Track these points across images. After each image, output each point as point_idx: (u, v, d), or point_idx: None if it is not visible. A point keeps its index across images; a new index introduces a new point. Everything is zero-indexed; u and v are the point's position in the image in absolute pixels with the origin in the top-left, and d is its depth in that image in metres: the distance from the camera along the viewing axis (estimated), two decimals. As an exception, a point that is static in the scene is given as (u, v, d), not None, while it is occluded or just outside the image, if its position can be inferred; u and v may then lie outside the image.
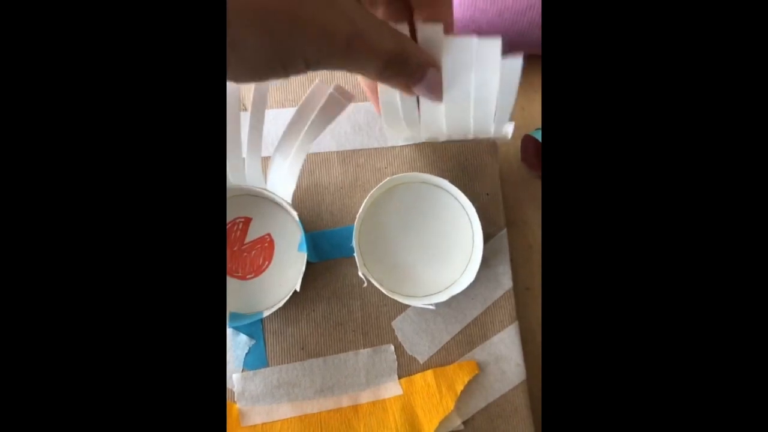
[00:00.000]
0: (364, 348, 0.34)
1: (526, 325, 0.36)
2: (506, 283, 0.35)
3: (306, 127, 0.30)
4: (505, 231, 0.36)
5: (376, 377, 0.34)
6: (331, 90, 0.28)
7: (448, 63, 0.26)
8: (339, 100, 0.29)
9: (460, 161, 0.36)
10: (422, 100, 0.29)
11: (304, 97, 0.30)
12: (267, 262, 0.34)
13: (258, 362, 0.33)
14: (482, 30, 0.37)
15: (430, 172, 0.34)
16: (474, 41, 0.25)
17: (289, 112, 0.31)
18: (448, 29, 0.26)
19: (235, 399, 0.33)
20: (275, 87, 0.37)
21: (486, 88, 0.27)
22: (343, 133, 0.37)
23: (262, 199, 0.34)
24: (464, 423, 0.34)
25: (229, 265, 0.34)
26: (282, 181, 0.32)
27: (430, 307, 0.32)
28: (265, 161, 0.34)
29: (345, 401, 0.33)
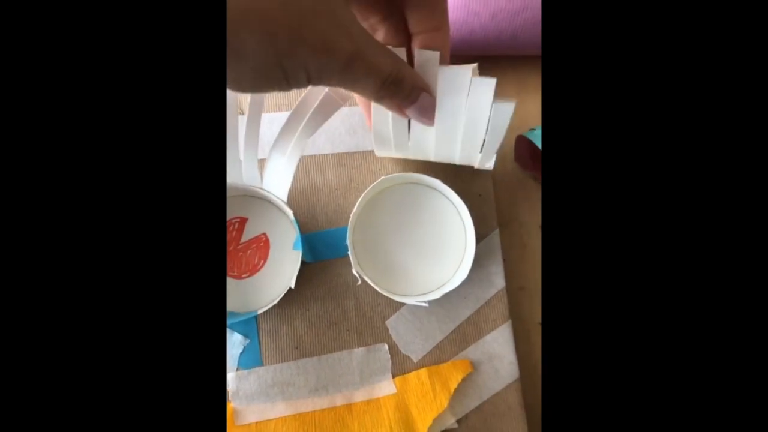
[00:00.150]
0: (358, 347, 0.34)
1: (519, 324, 0.37)
2: (499, 282, 0.36)
3: (302, 126, 0.30)
4: (497, 231, 0.36)
5: (371, 376, 0.34)
6: (326, 90, 0.29)
7: (442, 90, 0.27)
8: (334, 100, 0.29)
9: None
10: (413, 125, 0.30)
11: (300, 98, 0.30)
12: (262, 262, 0.34)
13: (252, 361, 0.34)
14: (475, 32, 0.38)
15: (424, 173, 0.34)
16: (469, 76, 0.26)
17: (285, 116, 0.32)
18: (444, 58, 0.27)
19: (230, 398, 0.33)
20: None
21: (476, 122, 0.28)
22: (338, 136, 0.37)
23: (258, 199, 0.35)
24: (458, 421, 0.34)
25: (224, 265, 0.34)
26: (277, 180, 0.33)
27: (423, 304, 0.32)
28: (261, 163, 0.35)
29: (339, 400, 0.34)
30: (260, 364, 0.34)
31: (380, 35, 0.27)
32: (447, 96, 0.27)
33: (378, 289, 0.32)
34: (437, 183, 0.33)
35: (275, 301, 0.32)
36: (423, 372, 0.34)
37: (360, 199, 0.33)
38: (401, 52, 0.26)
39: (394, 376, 0.34)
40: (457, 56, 0.37)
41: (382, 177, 0.33)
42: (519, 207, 0.39)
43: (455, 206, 0.35)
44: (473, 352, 0.35)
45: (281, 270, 0.34)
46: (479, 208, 0.36)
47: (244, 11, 0.18)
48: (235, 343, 0.34)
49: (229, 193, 0.34)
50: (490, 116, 0.27)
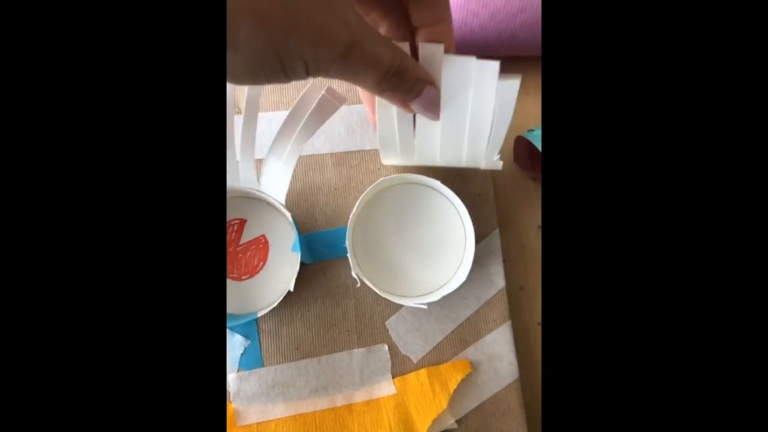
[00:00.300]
0: (358, 348, 0.34)
1: (519, 324, 0.37)
2: (499, 282, 0.36)
3: (299, 128, 0.30)
4: (497, 231, 0.36)
5: (370, 376, 0.34)
6: (323, 92, 0.29)
7: (447, 81, 0.26)
8: (331, 102, 0.29)
9: (452, 162, 0.37)
10: (418, 123, 0.29)
11: (297, 99, 0.30)
12: (261, 263, 0.34)
13: (253, 362, 0.34)
14: (474, 33, 0.38)
15: (423, 173, 0.34)
16: (473, 62, 0.26)
17: (282, 115, 0.32)
18: (449, 50, 0.26)
19: (231, 399, 0.33)
20: (269, 90, 0.37)
21: (482, 109, 0.27)
22: (336, 135, 0.37)
23: (256, 201, 0.35)
24: (457, 421, 0.34)
25: (224, 266, 0.34)
26: (275, 182, 0.33)
27: (423, 306, 0.33)
28: (259, 163, 0.35)
29: (339, 400, 0.34)
30: (261, 365, 0.34)
31: (382, 31, 0.27)
32: (452, 85, 0.26)
33: (377, 290, 0.32)
34: (437, 183, 0.33)
35: (275, 304, 0.32)
36: (423, 372, 0.34)
37: (359, 200, 0.33)
38: (405, 46, 0.25)
39: (393, 377, 0.34)
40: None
41: (382, 178, 0.33)
42: (518, 207, 0.39)
43: (455, 207, 0.35)
44: (473, 352, 0.35)
45: (281, 272, 0.34)
46: (479, 209, 0.36)
47: (240, 2, 0.18)
48: (235, 344, 0.34)
49: (227, 195, 0.34)
50: (495, 99, 0.27)
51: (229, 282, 0.34)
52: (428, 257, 0.35)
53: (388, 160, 0.34)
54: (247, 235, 0.34)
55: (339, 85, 0.37)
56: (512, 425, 0.34)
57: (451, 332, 0.35)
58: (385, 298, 0.33)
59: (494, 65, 0.26)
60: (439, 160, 0.32)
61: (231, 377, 0.33)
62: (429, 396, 0.33)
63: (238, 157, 0.33)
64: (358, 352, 0.34)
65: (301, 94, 0.30)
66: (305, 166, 0.36)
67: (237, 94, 0.36)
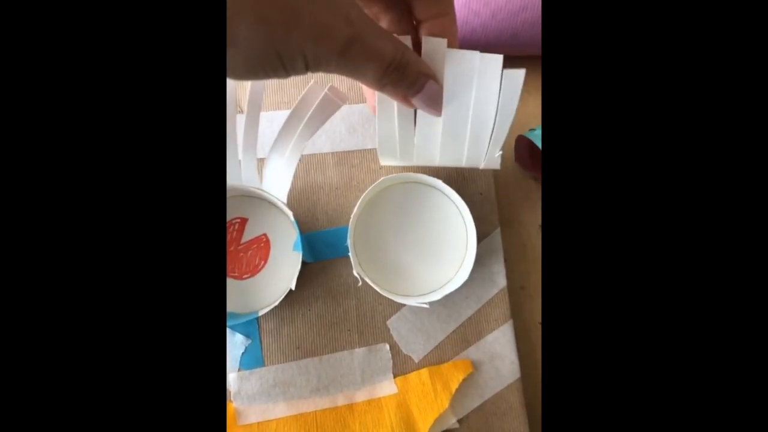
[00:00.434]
0: (359, 347, 0.34)
1: (520, 323, 0.37)
2: (500, 281, 0.36)
3: (301, 127, 0.30)
4: (498, 230, 0.36)
5: (372, 376, 0.34)
6: (325, 91, 0.29)
7: (450, 76, 0.26)
8: (333, 101, 0.29)
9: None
10: (419, 120, 0.29)
11: (299, 98, 0.30)
12: (263, 262, 0.34)
13: (254, 362, 0.34)
14: (476, 32, 0.38)
15: (424, 172, 0.34)
16: (476, 55, 0.25)
17: (284, 115, 0.31)
18: (452, 44, 0.26)
19: (232, 398, 0.33)
20: (271, 89, 0.37)
21: (486, 103, 0.27)
22: (338, 134, 0.37)
23: (258, 200, 0.34)
24: (459, 421, 0.34)
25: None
26: (277, 181, 0.33)
27: (425, 305, 0.32)
28: (261, 163, 0.35)
29: (340, 400, 0.34)
30: (262, 364, 0.34)
31: (383, 24, 0.26)
32: (455, 80, 0.26)
33: (379, 290, 0.32)
34: (438, 182, 0.33)
35: (276, 303, 0.32)
36: (424, 372, 0.34)
37: (360, 200, 0.33)
38: (406, 40, 0.25)
39: (395, 376, 0.34)
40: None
41: (383, 177, 0.33)
42: (519, 207, 0.39)
43: (456, 206, 0.35)
44: (474, 351, 0.35)
45: (282, 271, 0.34)
46: (480, 208, 0.36)
47: None
48: (236, 343, 0.34)
49: (229, 194, 0.34)
50: (499, 92, 0.26)
51: (230, 281, 0.34)
52: (430, 256, 0.35)
53: (385, 160, 0.33)
54: (249, 234, 0.34)
55: (341, 84, 0.37)
56: (514, 425, 0.34)
57: (453, 332, 0.35)
58: (386, 298, 0.33)
59: (498, 58, 0.26)
60: (438, 159, 0.32)
61: (232, 376, 0.33)
62: (431, 395, 0.33)
63: (240, 156, 0.32)
64: (360, 351, 0.34)
65: (303, 93, 0.30)
66: (306, 165, 0.36)
67: (239, 93, 0.36)
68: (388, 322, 0.35)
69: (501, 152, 0.30)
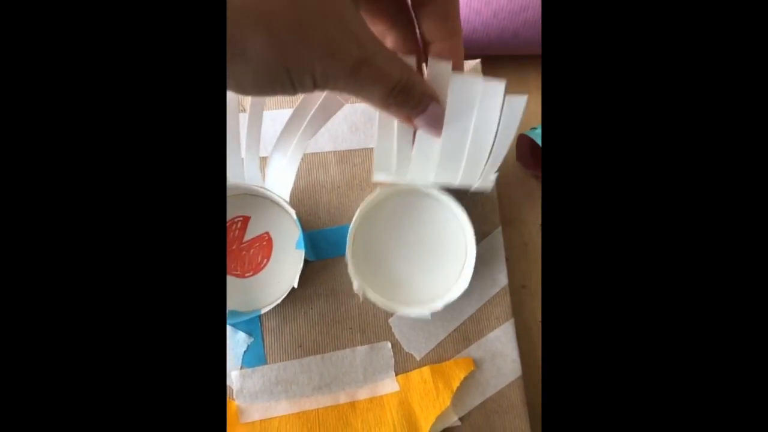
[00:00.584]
0: (361, 345, 0.35)
1: (522, 322, 0.37)
2: (502, 280, 0.36)
3: (303, 126, 0.30)
4: (500, 229, 0.36)
5: (374, 374, 0.34)
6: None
7: (453, 100, 0.26)
8: (335, 100, 0.30)
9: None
10: (418, 138, 0.29)
11: (301, 97, 0.30)
12: (265, 260, 0.34)
13: (256, 360, 0.34)
14: (477, 31, 0.38)
15: None
16: (480, 82, 0.26)
17: (287, 113, 0.32)
18: (456, 67, 0.26)
19: (234, 396, 0.33)
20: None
21: (485, 129, 0.27)
22: (340, 133, 0.37)
23: (260, 198, 0.35)
24: (461, 419, 0.34)
25: (228, 264, 0.34)
26: (280, 179, 0.33)
27: (427, 317, 0.32)
28: (264, 161, 0.35)
29: (342, 398, 0.34)
30: (264, 362, 0.34)
31: (388, 43, 0.27)
32: (457, 104, 0.26)
33: (381, 304, 0.32)
34: (433, 190, 0.33)
35: (278, 301, 0.32)
36: (426, 370, 0.34)
37: (356, 213, 0.33)
38: (411, 60, 0.25)
39: (397, 374, 0.34)
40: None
41: (378, 188, 0.33)
42: (521, 205, 0.39)
43: (454, 213, 0.34)
44: (476, 350, 0.35)
45: (284, 269, 0.34)
46: (482, 207, 0.36)
47: (251, 12, 0.18)
48: (239, 341, 0.34)
49: (231, 192, 0.34)
50: (500, 116, 0.27)
51: (232, 279, 0.34)
52: (430, 266, 0.35)
53: (380, 176, 0.32)
54: (251, 233, 0.34)
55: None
56: (515, 422, 0.34)
57: (454, 330, 0.35)
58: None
59: (500, 86, 0.26)
60: (433, 178, 0.31)
61: (234, 374, 0.33)
62: (432, 393, 0.33)
63: (243, 155, 0.33)
64: (362, 349, 0.34)
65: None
66: (309, 164, 0.37)
67: (240, 92, 0.36)
68: (389, 321, 0.35)
69: (497, 173, 0.30)
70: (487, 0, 0.37)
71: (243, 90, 0.21)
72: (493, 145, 0.28)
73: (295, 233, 0.34)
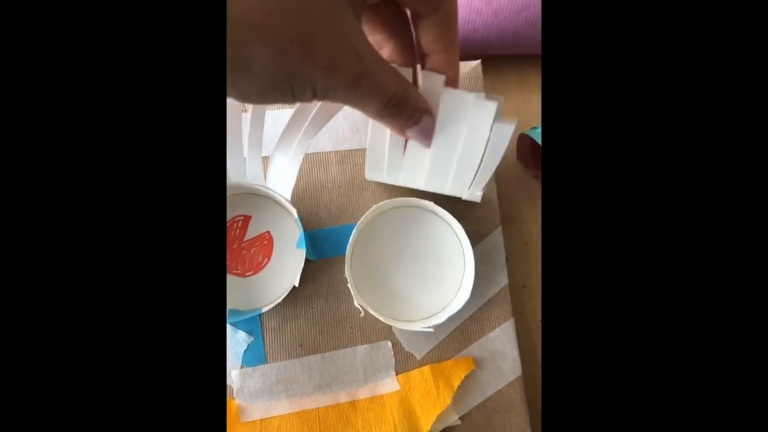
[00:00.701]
0: (361, 344, 0.35)
1: (522, 321, 0.37)
2: (502, 280, 0.36)
3: (305, 126, 0.31)
4: (500, 229, 0.36)
5: (374, 373, 0.34)
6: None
7: (443, 114, 0.27)
8: (337, 100, 0.29)
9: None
10: (409, 149, 0.29)
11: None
12: (266, 260, 0.34)
13: (257, 359, 0.34)
14: (477, 30, 0.38)
15: (413, 195, 0.34)
16: (470, 98, 0.27)
17: (288, 113, 0.32)
18: (451, 81, 0.27)
19: (234, 395, 0.33)
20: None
21: (474, 145, 0.28)
22: (341, 133, 0.37)
23: (261, 197, 0.35)
24: (461, 418, 0.34)
25: (228, 263, 0.34)
26: (281, 178, 0.33)
27: (429, 330, 0.32)
28: (265, 161, 0.35)
29: (343, 397, 0.34)
30: (264, 361, 0.34)
31: (385, 53, 0.27)
32: (447, 118, 0.27)
33: (383, 319, 0.32)
34: (430, 204, 0.33)
35: (279, 300, 0.32)
36: (426, 369, 0.34)
37: (355, 230, 0.33)
38: (407, 73, 0.26)
39: (397, 374, 0.34)
40: (460, 54, 0.37)
41: (374, 205, 0.33)
42: (521, 205, 0.39)
43: (450, 225, 0.35)
44: (476, 349, 0.35)
45: (285, 268, 0.34)
46: (482, 206, 0.36)
47: (257, 26, 0.18)
48: (239, 340, 0.34)
49: (232, 191, 0.34)
50: (489, 138, 0.27)
51: (233, 278, 0.34)
52: (429, 280, 0.35)
53: (372, 175, 0.33)
54: (252, 232, 0.34)
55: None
56: (515, 422, 0.34)
57: (455, 329, 0.35)
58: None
59: (492, 105, 0.27)
60: (423, 185, 0.32)
61: (234, 374, 0.33)
62: (433, 393, 0.33)
63: (245, 154, 0.33)
64: (362, 348, 0.35)
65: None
66: (310, 163, 0.37)
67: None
68: (390, 320, 0.35)
69: (483, 192, 0.31)
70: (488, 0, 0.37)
71: (246, 99, 0.21)
72: (480, 162, 0.29)
73: (296, 232, 0.34)
